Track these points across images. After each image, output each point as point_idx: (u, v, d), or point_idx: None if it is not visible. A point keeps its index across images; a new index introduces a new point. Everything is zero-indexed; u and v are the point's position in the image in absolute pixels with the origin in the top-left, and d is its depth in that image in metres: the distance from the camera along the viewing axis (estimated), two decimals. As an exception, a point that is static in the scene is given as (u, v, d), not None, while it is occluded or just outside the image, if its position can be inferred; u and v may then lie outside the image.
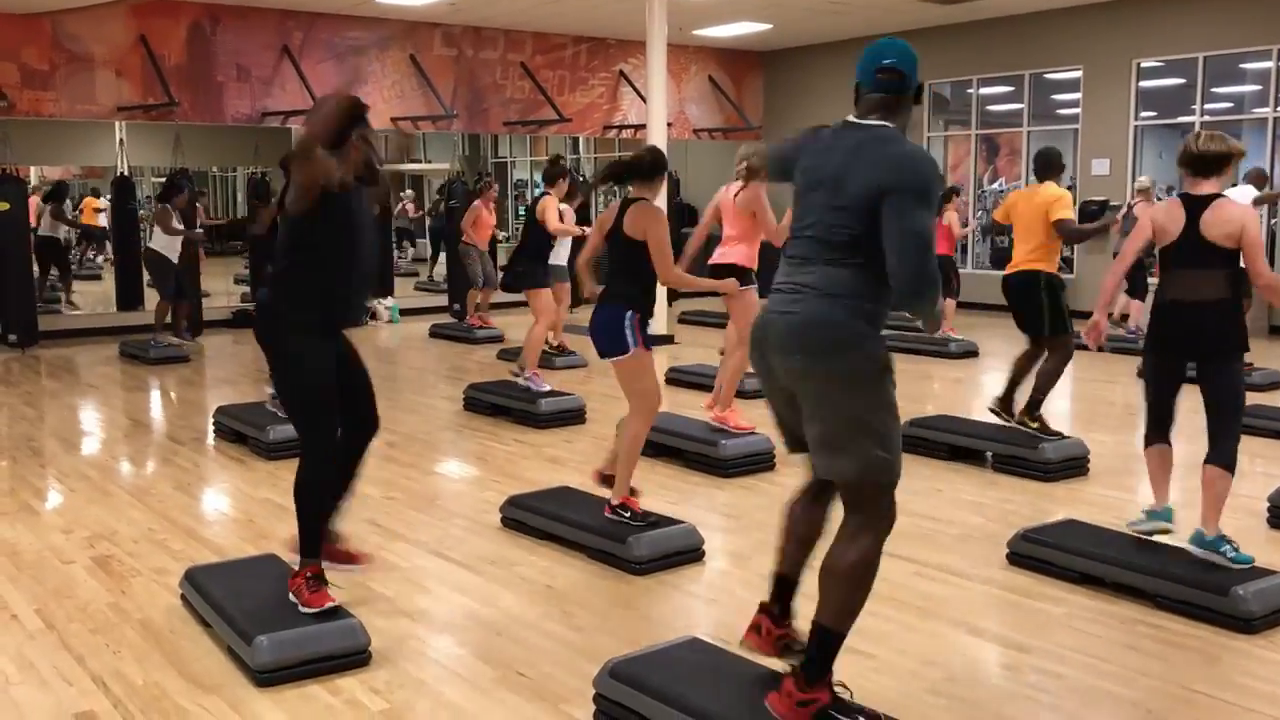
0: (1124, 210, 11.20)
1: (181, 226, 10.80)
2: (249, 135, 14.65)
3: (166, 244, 10.70)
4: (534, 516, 5.23)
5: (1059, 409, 8.13)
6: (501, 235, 12.01)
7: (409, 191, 20.42)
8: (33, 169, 18.81)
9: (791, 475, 5.97)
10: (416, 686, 3.65)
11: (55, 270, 14.22)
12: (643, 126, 13.74)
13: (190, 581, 4.27)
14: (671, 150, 13.17)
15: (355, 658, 3.74)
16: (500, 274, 8.68)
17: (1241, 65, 12.97)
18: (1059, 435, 6.28)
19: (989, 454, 6.46)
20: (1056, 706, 3.49)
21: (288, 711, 3.45)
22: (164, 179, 12.67)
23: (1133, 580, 4.34)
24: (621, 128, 16.04)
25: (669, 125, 13.38)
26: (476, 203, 11.75)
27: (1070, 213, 6.29)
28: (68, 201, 15.85)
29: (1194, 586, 4.16)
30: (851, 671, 3.25)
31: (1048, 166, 6.42)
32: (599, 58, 15.72)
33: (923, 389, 9.21)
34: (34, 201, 19.39)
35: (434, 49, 14.41)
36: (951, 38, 14.70)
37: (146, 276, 12.09)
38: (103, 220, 19.13)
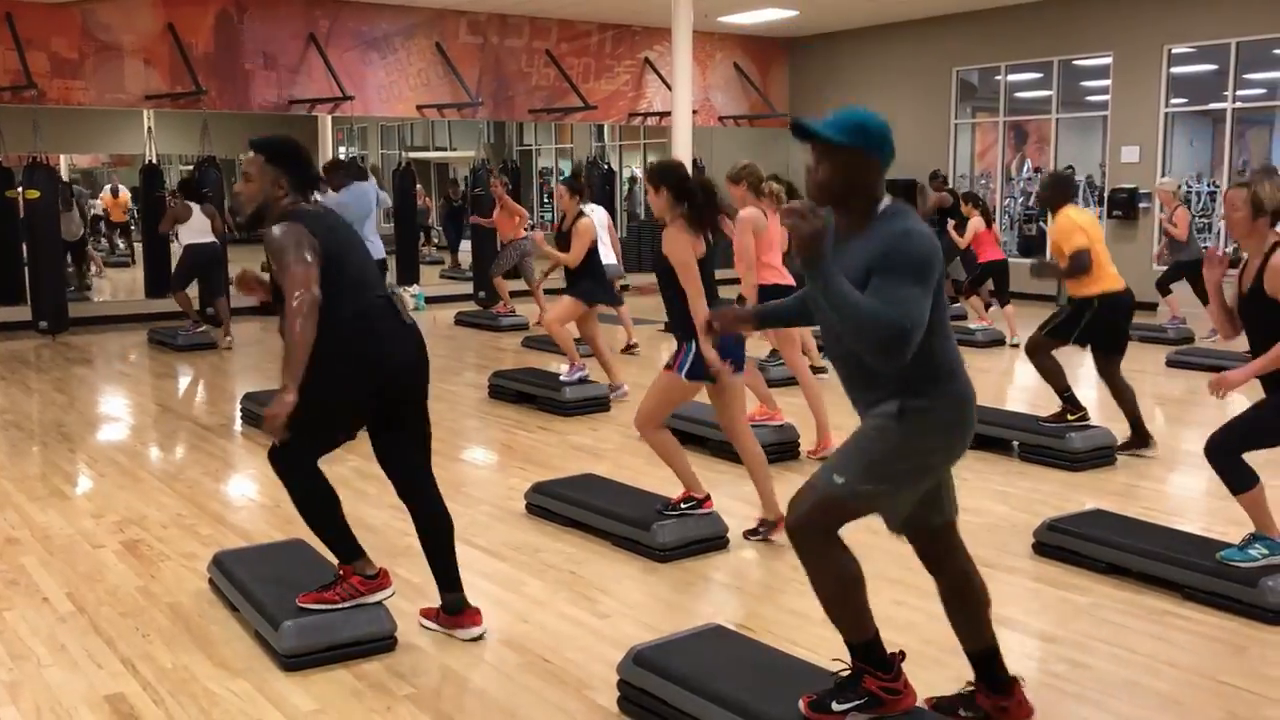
0: (1166, 215, 10.99)
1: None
2: (276, 123, 14.69)
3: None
4: (559, 503, 5.25)
5: (1086, 398, 8.07)
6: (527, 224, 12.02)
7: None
8: (62, 157, 18.98)
9: (815, 465, 5.96)
10: (442, 672, 3.67)
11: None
12: (668, 114, 13.72)
13: (218, 566, 4.31)
14: (697, 137, 13.16)
15: (381, 643, 3.77)
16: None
17: (1275, 51, 12.80)
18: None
19: (1016, 444, 6.42)
20: (1083, 696, 3.47)
21: (314, 695, 3.48)
22: (191, 167, 12.75)
23: (1160, 571, 4.31)
24: (646, 115, 16.02)
25: (694, 112, 13.34)
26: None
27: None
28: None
29: (1222, 577, 4.12)
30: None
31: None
32: (624, 45, 15.69)
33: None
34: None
35: (459, 37, 14.42)
36: (980, 24, 14.58)
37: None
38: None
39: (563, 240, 8.31)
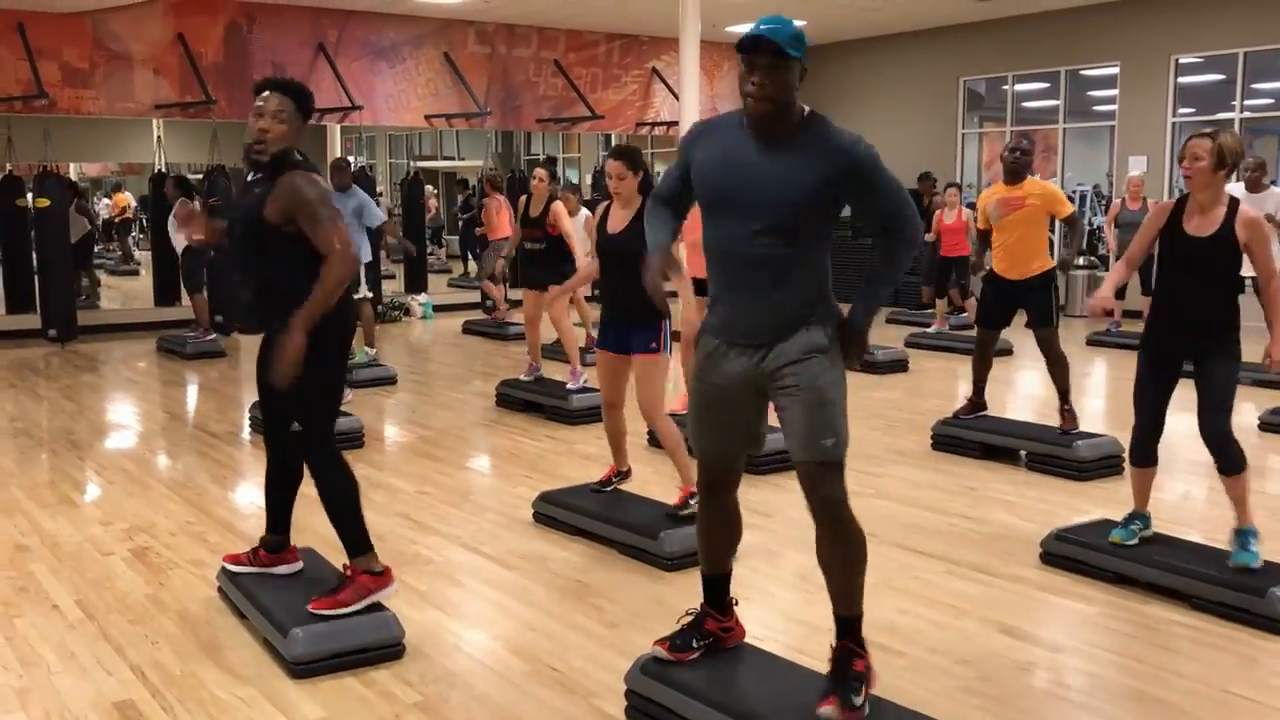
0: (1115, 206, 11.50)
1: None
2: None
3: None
4: (566, 512, 5.26)
5: (1093, 407, 8.07)
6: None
7: (430, 189, 20.55)
8: (72, 166, 19.07)
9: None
10: (449, 679, 3.68)
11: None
12: (675, 123, 13.74)
13: (227, 573, 4.32)
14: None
15: (389, 650, 3.78)
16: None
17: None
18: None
19: (1023, 453, 6.42)
20: (1089, 707, 3.47)
21: (322, 703, 3.49)
22: (201, 176, 12.81)
23: (1168, 581, 4.31)
24: (654, 124, 16.04)
25: (702, 122, 13.35)
26: (485, 201, 12.22)
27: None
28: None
29: (1230, 587, 4.12)
30: (883, 670, 3.24)
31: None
32: (631, 55, 15.73)
33: (954, 387, 9.16)
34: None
35: (468, 46, 14.46)
36: (987, 34, 14.60)
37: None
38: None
39: (534, 227, 8.34)
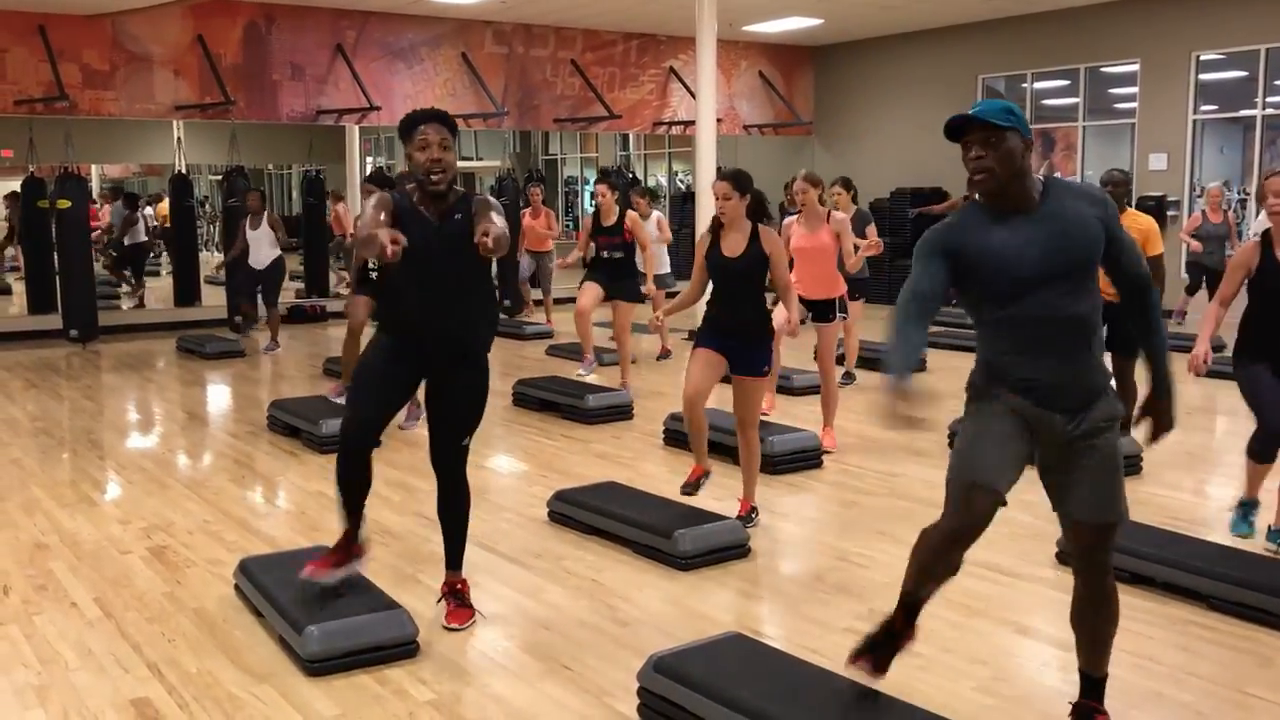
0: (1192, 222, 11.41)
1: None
2: (303, 133, 14.86)
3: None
4: (581, 511, 5.26)
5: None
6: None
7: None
8: (94, 167, 19.21)
9: (839, 474, 5.96)
10: (463, 677, 3.69)
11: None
12: (693, 123, 13.72)
13: (243, 572, 4.35)
14: (721, 146, 13.17)
15: (403, 648, 3.79)
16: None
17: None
18: None
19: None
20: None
21: (336, 700, 3.51)
22: (220, 176, 12.89)
23: (1186, 581, 4.28)
24: (671, 124, 16.04)
25: (719, 121, 13.35)
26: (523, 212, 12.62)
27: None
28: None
29: (1249, 588, 4.09)
30: (897, 670, 3.22)
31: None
32: (649, 54, 15.73)
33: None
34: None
35: (485, 46, 14.49)
36: (1005, 31, 14.53)
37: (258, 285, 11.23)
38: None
39: (610, 236, 8.64)
